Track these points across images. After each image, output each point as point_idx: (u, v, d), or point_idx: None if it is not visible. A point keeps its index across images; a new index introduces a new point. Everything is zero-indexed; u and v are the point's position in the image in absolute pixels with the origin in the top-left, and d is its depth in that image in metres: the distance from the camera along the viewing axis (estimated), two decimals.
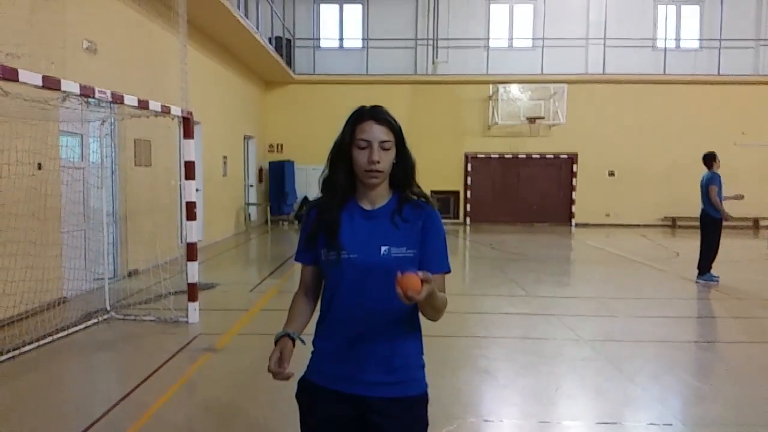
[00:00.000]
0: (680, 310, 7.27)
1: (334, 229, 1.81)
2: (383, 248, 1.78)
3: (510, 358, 5.20)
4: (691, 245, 10.32)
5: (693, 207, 10.25)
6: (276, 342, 1.80)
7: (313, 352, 1.89)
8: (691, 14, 18.20)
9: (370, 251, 1.78)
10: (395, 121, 1.83)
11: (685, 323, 6.67)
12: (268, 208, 16.62)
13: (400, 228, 1.81)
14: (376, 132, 1.78)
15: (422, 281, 1.52)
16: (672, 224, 17.56)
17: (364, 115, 1.81)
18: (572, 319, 6.46)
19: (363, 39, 18.14)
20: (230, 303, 7.31)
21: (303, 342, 1.85)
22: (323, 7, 18.37)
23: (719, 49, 17.43)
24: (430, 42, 17.95)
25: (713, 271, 8.57)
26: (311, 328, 1.94)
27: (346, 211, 1.84)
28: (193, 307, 6.08)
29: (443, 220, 1.91)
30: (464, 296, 7.61)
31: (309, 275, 1.95)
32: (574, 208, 17.90)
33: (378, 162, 1.76)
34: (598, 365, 4.98)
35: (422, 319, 1.83)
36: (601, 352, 5.29)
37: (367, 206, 1.86)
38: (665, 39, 17.81)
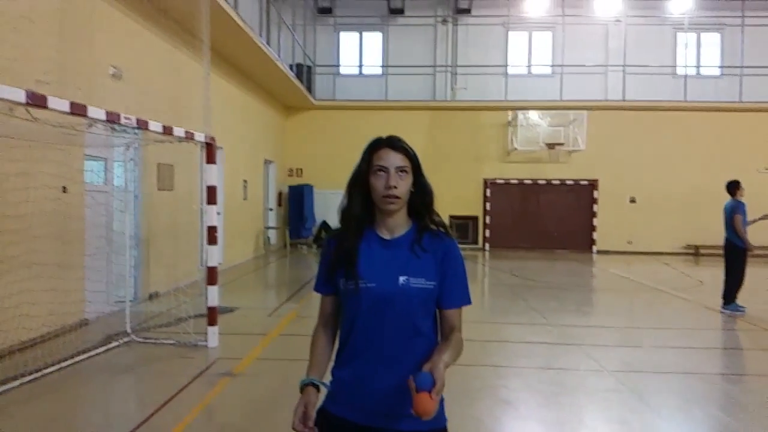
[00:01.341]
0: (706, 341, 7.09)
1: (353, 259, 1.81)
2: (402, 278, 1.78)
3: (531, 388, 5.11)
4: (714, 274, 10.11)
5: (716, 235, 10.08)
6: (301, 390, 1.80)
7: (331, 382, 1.88)
8: (712, 41, 18.14)
9: (388, 281, 1.78)
10: (411, 149, 1.86)
11: (712, 354, 6.50)
12: (287, 232, 16.71)
13: (420, 258, 1.81)
14: (393, 158, 1.80)
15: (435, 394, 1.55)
16: (695, 252, 17.24)
17: (380, 143, 1.84)
18: (595, 349, 6.33)
19: (382, 66, 18.37)
20: (249, 327, 7.31)
21: (327, 387, 1.85)
22: (343, 34, 18.67)
23: (740, 77, 17.29)
24: (449, 69, 18.10)
25: (739, 301, 8.37)
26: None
27: (364, 241, 1.85)
28: (213, 331, 6.08)
29: (461, 246, 1.91)
30: (485, 324, 7.52)
31: (329, 306, 1.95)
32: (595, 235, 17.71)
33: (395, 187, 1.77)
34: (622, 397, 4.86)
35: None
36: (625, 384, 5.17)
37: (385, 235, 1.86)
38: (686, 66, 17.75)
